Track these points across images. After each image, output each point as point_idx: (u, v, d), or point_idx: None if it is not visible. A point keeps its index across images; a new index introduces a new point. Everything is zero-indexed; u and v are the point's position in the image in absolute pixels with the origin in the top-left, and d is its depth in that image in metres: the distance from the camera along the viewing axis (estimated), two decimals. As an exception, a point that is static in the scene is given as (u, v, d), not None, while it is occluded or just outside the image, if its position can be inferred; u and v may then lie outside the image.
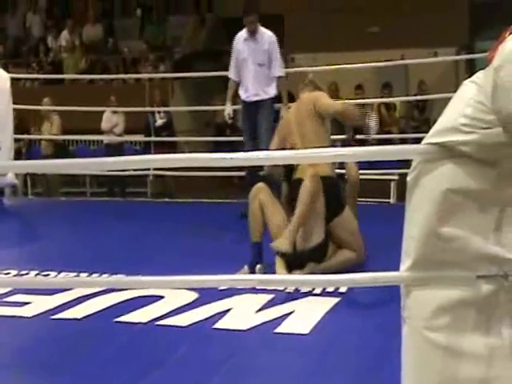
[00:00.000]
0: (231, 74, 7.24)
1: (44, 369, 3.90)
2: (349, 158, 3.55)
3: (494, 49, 2.34)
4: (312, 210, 5.13)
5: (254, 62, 7.07)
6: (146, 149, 13.32)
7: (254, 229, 5.36)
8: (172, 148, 12.54)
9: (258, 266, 5.25)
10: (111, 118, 12.88)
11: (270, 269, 5.21)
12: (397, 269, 2.51)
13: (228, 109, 7.31)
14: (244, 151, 5.59)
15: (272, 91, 7.17)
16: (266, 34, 7.13)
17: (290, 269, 5.14)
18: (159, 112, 12.96)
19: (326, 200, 5.24)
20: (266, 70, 7.10)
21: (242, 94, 7.17)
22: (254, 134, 7.15)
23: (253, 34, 7.05)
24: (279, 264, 5.19)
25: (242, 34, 7.16)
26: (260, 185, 5.49)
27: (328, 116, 5.64)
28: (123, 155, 12.01)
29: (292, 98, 12.59)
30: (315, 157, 3.21)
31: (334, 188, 5.43)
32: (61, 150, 12.46)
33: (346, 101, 5.59)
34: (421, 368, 2.43)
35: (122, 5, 18.33)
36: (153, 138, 12.63)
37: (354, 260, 5.39)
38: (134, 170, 9.75)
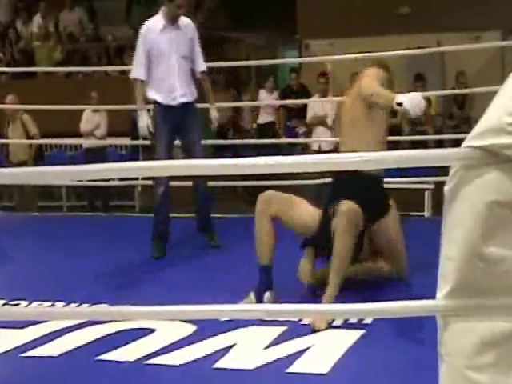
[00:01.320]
0: (139, 73, 6.75)
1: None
2: (376, 165, 3.53)
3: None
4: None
5: (177, 54, 6.74)
6: (133, 154, 13.36)
7: (262, 250, 5.32)
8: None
9: (267, 294, 5.23)
10: (92, 118, 12.92)
11: (282, 295, 5.19)
12: (433, 295, 2.50)
13: (146, 119, 6.75)
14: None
15: (195, 91, 6.95)
16: (186, 20, 6.87)
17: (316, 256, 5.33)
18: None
19: (368, 200, 5.24)
20: (189, 65, 6.86)
21: (162, 97, 6.73)
22: (171, 145, 6.86)
23: (175, 20, 6.74)
24: (304, 266, 5.37)
25: (156, 21, 6.78)
26: (264, 195, 5.44)
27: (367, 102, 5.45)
28: (106, 162, 12.06)
29: (307, 93, 12.69)
30: (333, 163, 3.21)
31: (375, 186, 5.49)
32: (38, 157, 12.51)
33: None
34: (462, 414, 2.42)
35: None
36: (141, 142, 12.61)
37: (387, 273, 5.53)
38: (120, 179, 9.78)
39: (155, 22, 6.76)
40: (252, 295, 5.24)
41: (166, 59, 6.69)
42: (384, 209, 5.54)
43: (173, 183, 6.89)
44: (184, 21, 6.84)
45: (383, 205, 5.56)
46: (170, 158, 6.66)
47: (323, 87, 11.79)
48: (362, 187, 5.29)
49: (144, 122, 6.69)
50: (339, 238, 5.01)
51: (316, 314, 4.29)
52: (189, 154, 6.71)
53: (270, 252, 5.30)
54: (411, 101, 4.82)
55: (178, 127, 6.75)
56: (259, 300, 5.19)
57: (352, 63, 12.69)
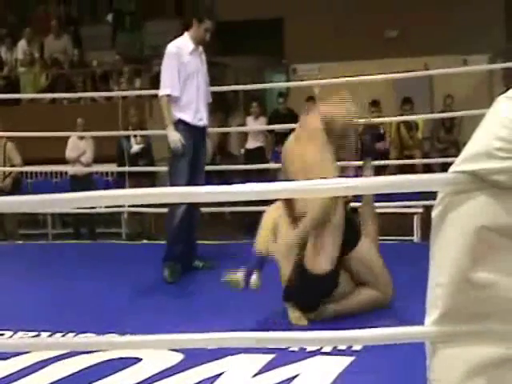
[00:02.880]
0: (174, 89, 6.77)
1: None
2: (364, 190, 3.55)
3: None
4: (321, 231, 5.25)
5: (201, 78, 6.90)
6: (119, 180, 13.34)
7: (261, 240, 5.53)
8: (151, 179, 12.55)
9: (254, 277, 5.41)
10: (78, 145, 12.91)
11: (268, 280, 5.38)
12: (421, 321, 2.51)
13: (176, 133, 6.73)
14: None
15: None
16: (201, 48, 6.98)
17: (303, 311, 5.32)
18: (135, 136, 12.99)
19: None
20: (207, 90, 7.03)
21: (190, 117, 6.81)
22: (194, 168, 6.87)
23: (201, 44, 6.89)
24: (293, 314, 5.35)
25: (185, 43, 6.87)
26: (278, 204, 5.59)
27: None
28: (92, 189, 12.08)
29: (294, 117, 12.70)
30: (325, 189, 3.21)
31: (349, 217, 5.53)
32: (17, 185, 12.47)
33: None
34: None
35: (91, 9, 18.46)
36: (127, 168, 12.65)
37: (378, 300, 5.51)
38: (106, 206, 9.77)
39: (185, 44, 6.85)
40: (239, 274, 5.40)
41: (194, 82, 6.83)
42: (353, 239, 5.54)
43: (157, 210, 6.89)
44: (201, 46, 6.96)
45: (354, 236, 5.56)
46: (192, 175, 6.75)
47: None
48: None
49: (176, 136, 6.71)
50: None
51: (305, 342, 4.29)
52: (196, 175, 6.78)
53: (268, 245, 5.49)
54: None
55: (197, 147, 6.85)
56: (246, 280, 5.37)
57: (341, 87, 12.78)
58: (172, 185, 6.71)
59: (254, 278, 5.39)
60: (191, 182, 6.54)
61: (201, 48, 6.94)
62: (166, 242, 6.91)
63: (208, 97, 7.07)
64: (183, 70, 6.76)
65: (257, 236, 5.56)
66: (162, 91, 6.82)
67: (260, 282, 5.40)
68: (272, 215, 5.58)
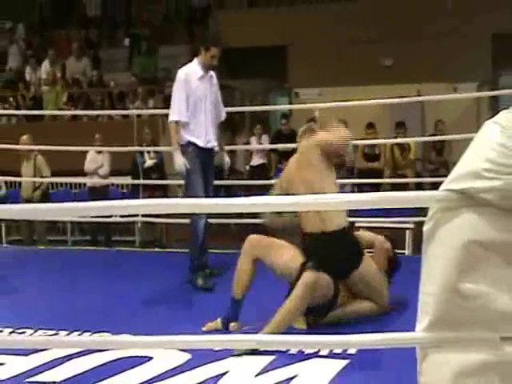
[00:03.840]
0: (181, 115, 6.73)
1: None
2: (359, 205, 3.56)
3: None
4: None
5: (210, 102, 6.85)
6: (133, 192, 13.33)
7: (238, 285, 5.41)
8: (163, 191, 12.56)
9: (232, 324, 5.32)
10: (96, 159, 12.92)
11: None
12: (412, 328, 2.50)
13: (181, 158, 6.68)
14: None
15: None
16: (211, 72, 6.94)
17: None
18: (149, 152, 13.01)
19: (336, 256, 5.32)
20: (215, 112, 6.96)
21: (200, 140, 6.77)
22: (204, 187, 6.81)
23: (209, 70, 6.83)
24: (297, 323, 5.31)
25: (194, 69, 6.82)
26: (252, 238, 5.52)
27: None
28: (108, 199, 12.06)
29: (295, 138, 12.69)
30: (322, 203, 3.22)
31: (342, 242, 5.46)
32: (46, 196, 12.49)
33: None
34: None
35: (109, 34, 18.48)
36: (141, 181, 12.65)
37: (376, 311, 5.50)
38: (121, 216, 9.77)
39: (193, 70, 6.80)
40: (219, 321, 5.34)
41: (203, 106, 6.77)
42: (355, 261, 5.49)
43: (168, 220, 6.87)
44: (210, 71, 6.89)
45: (353, 258, 5.52)
46: (207, 194, 6.73)
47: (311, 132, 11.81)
48: (331, 248, 5.35)
49: (181, 160, 6.67)
50: (292, 299, 5.09)
51: (303, 345, 4.28)
52: (206, 193, 6.71)
53: (244, 289, 5.40)
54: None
55: (206, 166, 6.81)
56: (225, 327, 5.30)
57: (339, 111, 12.78)
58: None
59: (232, 325, 5.32)
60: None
61: (211, 72, 6.89)
62: (191, 253, 6.86)
63: (219, 117, 7.03)
64: (192, 95, 6.73)
65: (234, 281, 5.45)
66: (171, 117, 6.80)
67: (238, 327, 5.32)
68: (249, 257, 5.44)
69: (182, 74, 6.80)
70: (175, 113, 6.75)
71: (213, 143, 6.87)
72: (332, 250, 5.34)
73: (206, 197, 6.57)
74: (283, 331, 4.86)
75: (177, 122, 6.74)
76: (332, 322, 5.35)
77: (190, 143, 6.74)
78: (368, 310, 5.51)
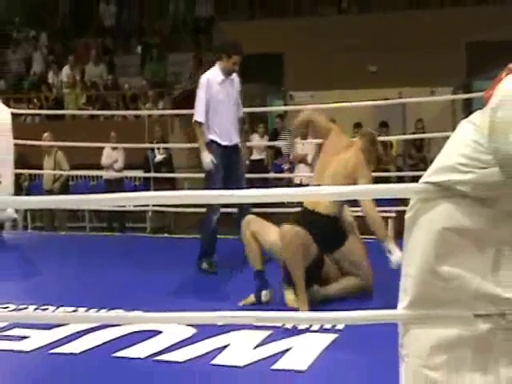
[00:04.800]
0: (202, 117, 6.65)
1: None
2: (348, 196, 3.58)
3: (491, 88, 2.36)
4: (298, 257, 5.20)
5: (231, 104, 6.76)
6: (145, 184, 13.34)
7: (253, 258, 5.46)
8: (171, 184, 12.54)
9: (264, 293, 5.34)
10: (111, 154, 12.92)
11: (275, 294, 5.38)
12: (394, 306, 2.51)
13: (209, 155, 6.60)
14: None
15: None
16: (235, 75, 6.84)
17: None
18: (158, 148, 13.00)
19: (321, 234, 5.34)
20: (237, 111, 6.88)
21: (222, 139, 6.70)
22: (225, 183, 6.70)
23: (230, 75, 6.73)
24: (289, 296, 5.32)
25: (216, 74, 6.72)
26: (248, 217, 5.62)
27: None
28: (123, 191, 12.07)
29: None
30: (313, 195, 3.22)
31: (328, 225, 5.48)
32: (65, 187, 12.51)
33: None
34: (419, 406, 2.41)
35: (123, 42, 18.45)
36: (152, 174, 12.66)
37: (360, 287, 5.53)
38: (134, 205, 9.77)
39: (214, 75, 6.71)
40: (252, 296, 5.35)
41: (224, 108, 6.69)
42: (338, 241, 5.58)
43: (196, 209, 6.87)
44: (234, 74, 6.82)
45: (337, 238, 5.59)
46: (226, 188, 6.44)
47: (304, 132, 11.79)
48: (319, 225, 5.36)
49: (208, 158, 6.59)
50: (287, 260, 5.20)
51: (297, 321, 4.29)
52: (237, 185, 6.56)
53: (259, 258, 5.44)
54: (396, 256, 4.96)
55: (230, 163, 6.76)
56: (258, 299, 5.32)
57: (329, 111, 12.77)
58: None
59: (264, 293, 5.35)
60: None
61: (233, 76, 6.80)
62: (201, 241, 6.80)
63: (239, 114, 6.95)
64: (213, 98, 6.65)
65: (248, 256, 5.51)
66: (194, 117, 6.75)
67: (271, 296, 5.38)
68: (248, 233, 5.49)
69: (204, 78, 6.74)
70: (197, 114, 6.70)
71: (234, 141, 6.79)
72: (319, 228, 5.35)
73: (234, 189, 6.50)
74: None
75: (200, 123, 6.68)
76: (325, 298, 5.37)
77: (212, 141, 6.69)
78: (353, 284, 5.55)
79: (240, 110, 6.98)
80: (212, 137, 6.69)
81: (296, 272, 5.18)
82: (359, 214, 5.80)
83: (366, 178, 5.48)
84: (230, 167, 6.77)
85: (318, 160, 6.08)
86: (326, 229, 5.41)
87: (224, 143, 6.70)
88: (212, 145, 6.67)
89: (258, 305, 5.30)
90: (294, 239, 5.16)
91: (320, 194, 3.21)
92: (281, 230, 5.26)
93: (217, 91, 6.68)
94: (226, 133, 6.73)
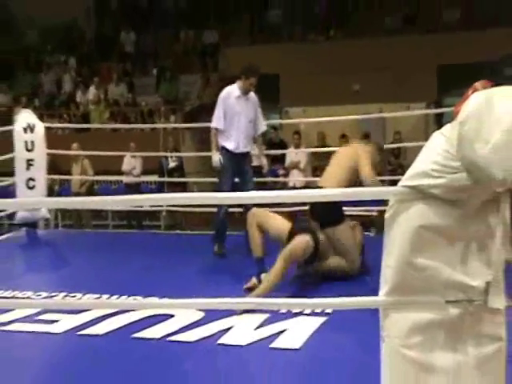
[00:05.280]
0: (219, 123, 6.68)
1: (70, 380, 3.87)
2: (337, 197, 3.58)
3: (459, 104, 2.37)
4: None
5: (245, 118, 6.72)
6: (160, 187, 13.33)
7: (255, 246, 5.47)
8: (182, 187, 12.55)
9: (263, 275, 5.34)
10: (130, 161, 12.94)
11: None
12: (376, 293, 2.49)
13: (217, 155, 6.66)
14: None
15: (252, 144, 7.00)
16: (252, 94, 6.81)
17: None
18: (171, 156, 13.00)
19: (318, 211, 5.47)
20: (252, 126, 6.81)
21: (231, 145, 6.69)
22: (233, 183, 6.77)
23: (246, 93, 6.72)
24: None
25: (233, 90, 6.73)
26: (253, 210, 5.61)
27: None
28: (140, 193, 12.07)
29: (285, 145, 12.67)
30: (308, 196, 3.20)
31: (334, 204, 5.46)
32: (91, 191, 12.55)
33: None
34: (397, 380, 2.41)
35: (141, 65, 18.46)
36: (166, 179, 12.65)
37: (344, 269, 5.56)
38: (150, 206, 9.75)
39: (232, 91, 6.72)
40: (254, 278, 5.35)
41: (237, 120, 6.67)
42: (337, 220, 5.60)
43: (203, 209, 6.89)
44: (251, 93, 6.80)
45: (336, 216, 5.61)
46: (234, 190, 6.61)
47: (297, 142, 11.87)
48: (325, 205, 5.33)
49: (217, 157, 6.65)
50: (279, 260, 5.13)
51: (291, 306, 4.28)
52: (246, 187, 6.64)
53: (261, 246, 5.47)
54: None
55: (239, 169, 6.75)
56: (258, 281, 5.30)
57: (319, 125, 12.78)
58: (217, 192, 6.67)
59: (263, 276, 5.35)
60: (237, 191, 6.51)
61: (250, 94, 6.77)
62: (214, 229, 6.87)
63: (256, 130, 6.90)
64: (229, 110, 6.66)
65: (251, 245, 5.52)
66: (212, 124, 6.77)
67: None
68: (254, 225, 5.51)
69: (224, 92, 6.76)
70: (214, 121, 6.72)
71: (243, 149, 6.74)
72: (325, 205, 5.31)
73: (242, 189, 6.57)
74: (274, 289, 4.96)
75: (215, 128, 6.70)
76: (317, 270, 5.49)
77: (223, 147, 6.70)
78: (340, 265, 5.58)
79: (261, 125, 6.95)
80: (225, 143, 6.70)
81: (281, 266, 5.16)
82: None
83: (367, 158, 5.50)
84: (239, 171, 6.77)
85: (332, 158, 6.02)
86: (327, 204, 5.33)
87: (234, 150, 6.69)
88: (223, 150, 6.69)
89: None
90: (301, 249, 5.20)
91: (309, 197, 3.19)
92: (297, 237, 5.25)
93: (233, 104, 6.68)
94: (237, 141, 6.70)
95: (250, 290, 5.16)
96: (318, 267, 5.52)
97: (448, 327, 2.32)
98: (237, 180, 6.84)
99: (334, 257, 5.60)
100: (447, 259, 2.32)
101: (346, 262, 5.58)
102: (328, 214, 5.51)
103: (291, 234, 5.35)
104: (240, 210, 7.20)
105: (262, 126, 7.00)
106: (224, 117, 6.67)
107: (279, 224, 5.48)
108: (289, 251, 5.16)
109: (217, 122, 6.70)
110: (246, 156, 6.82)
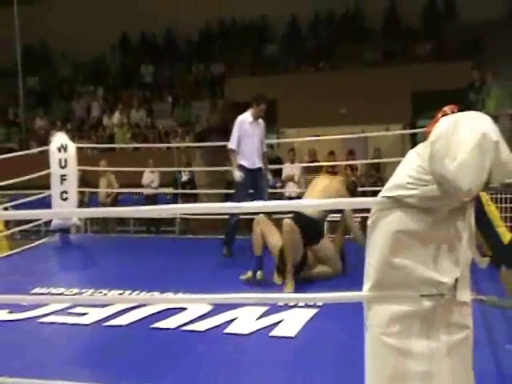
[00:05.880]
0: (234, 144, 6.77)
1: (98, 364, 3.86)
2: (327, 207, 3.58)
3: (430, 126, 2.36)
4: (293, 247, 5.30)
5: (257, 139, 6.80)
6: (174, 198, 13.32)
7: (256, 246, 5.53)
8: (194, 198, 12.55)
9: (259, 273, 5.41)
10: (149, 176, 12.94)
11: (267, 276, 5.43)
12: (360, 289, 2.48)
13: (238, 172, 6.71)
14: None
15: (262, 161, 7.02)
16: (260, 120, 6.90)
17: (283, 276, 5.38)
18: (184, 171, 13.00)
19: (304, 232, 5.40)
20: (261, 145, 6.90)
21: (248, 163, 6.76)
22: (248, 194, 6.79)
23: (257, 118, 6.81)
24: (276, 278, 5.46)
25: (247, 116, 6.82)
26: (259, 217, 5.67)
27: None
28: (158, 203, 12.05)
29: (281, 161, 12.64)
30: (303, 205, 3.19)
31: (311, 225, 5.52)
32: (115, 202, 12.55)
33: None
34: (379, 364, 2.40)
35: (158, 93, 18.49)
36: (180, 191, 12.65)
37: (330, 274, 5.58)
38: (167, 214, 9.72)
39: (246, 118, 6.81)
40: (250, 272, 5.42)
41: (251, 141, 6.75)
42: (318, 237, 5.62)
43: (212, 216, 6.87)
44: (260, 119, 6.90)
45: (317, 235, 5.63)
46: (255, 198, 6.72)
47: (291, 158, 11.88)
48: (307, 224, 5.43)
49: (238, 173, 6.70)
50: (285, 245, 5.30)
51: (287, 300, 4.27)
52: (260, 197, 6.72)
53: (260, 248, 5.53)
54: None
55: (254, 182, 6.79)
56: (254, 276, 5.39)
57: (310, 143, 12.79)
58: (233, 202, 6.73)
59: (258, 273, 5.41)
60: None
61: (259, 120, 6.87)
62: (226, 234, 6.85)
63: (263, 148, 6.96)
64: (243, 133, 6.75)
65: (254, 245, 5.57)
66: (228, 145, 6.84)
67: (263, 276, 5.43)
68: (258, 228, 5.58)
69: (239, 118, 6.84)
70: (231, 143, 6.81)
71: (257, 165, 6.81)
72: (307, 226, 5.43)
73: (258, 200, 6.62)
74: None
75: (232, 149, 6.78)
76: (305, 278, 5.44)
77: (240, 165, 6.77)
78: (325, 271, 5.60)
79: (264, 145, 7.00)
80: (241, 162, 6.77)
81: (289, 257, 5.25)
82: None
83: (343, 192, 5.67)
84: (254, 184, 6.82)
85: (311, 183, 6.14)
86: (309, 227, 5.47)
87: (249, 167, 6.76)
88: (241, 167, 6.76)
89: (254, 280, 5.38)
90: (292, 231, 5.27)
91: (305, 205, 3.19)
92: (284, 222, 5.32)
93: (247, 128, 6.77)
94: (251, 159, 6.77)
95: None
96: (307, 275, 5.52)
97: (422, 318, 2.31)
98: (251, 191, 6.86)
99: (319, 265, 5.64)
100: (421, 259, 2.31)
101: (329, 268, 5.62)
102: (312, 234, 5.55)
103: (281, 252, 5.43)
104: (248, 217, 7.21)
105: (264, 146, 7.06)
106: (239, 139, 6.76)
107: (274, 243, 5.52)
108: (284, 233, 5.28)
109: (233, 143, 6.79)
110: (260, 171, 6.88)
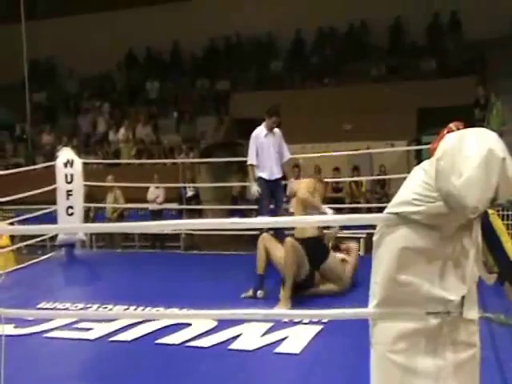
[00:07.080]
0: (253, 160, 6.84)
1: (102, 379, 3.84)
2: (331, 223, 3.57)
3: (435, 142, 2.36)
4: (294, 264, 5.25)
5: (275, 150, 6.89)
6: (179, 214, 13.33)
7: (259, 264, 5.52)
8: (199, 213, 12.55)
9: (259, 291, 5.42)
10: (154, 191, 12.96)
11: (268, 295, 5.42)
12: (366, 306, 2.47)
13: (256, 187, 6.80)
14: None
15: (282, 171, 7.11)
16: (276, 130, 6.99)
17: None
18: (189, 187, 13.03)
19: (309, 253, 5.38)
20: (279, 156, 6.95)
21: (265, 174, 6.84)
22: (270, 204, 6.90)
23: (271, 130, 6.88)
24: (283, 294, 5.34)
25: (261, 130, 6.90)
26: (264, 235, 5.69)
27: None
28: (163, 219, 12.04)
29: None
30: (306, 222, 3.19)
31: (314, 245, 5.53)
32: (121, 217, 12.56)
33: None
34: (384, 382, 2.38)
35: (164, 109, 18.56)
36: (185, 206, 12.66)
37: (335, 291, 5.55)
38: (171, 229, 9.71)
39: (260, 130, 6.90)
40: (251, 291, 5.44)
41: (268, 153, 6.84)
42: (323, 257, 5.59)
43: (216, 232, 6.85)
44: (276, 129, 6.98)
45: (323, 255, 5.60)
46: (271, 211, 6.79)
47: (297, 174, 11.90)
48: (311, 246, 5.44)
49: (255, 189, 6.81)
50: (285, 264, 5.26)
51: (292, 316, 4.25)
52: (277, 209, 6.82)
53: (263, 267, 5.53)
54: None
55: (273, 191, 6.88)
56: (254, 295, 5.41)
57: (315, 159, 12.79)
58: (259, 215, 6.86)
59: (259, 292, 5.43)
60: (271, 214, 6.70)
61: (275, 130, 6.95)
62: None
63: (281, 159, 6.99)
64: (260, 146, 6.84)
65: (257, 262, 5.56)
66: (248, 161, 6.91)
67: (264, 295, 5.44)
68: (262, 246, 5.58)
69: (254, 132, 6.94)
70: (249, 159, 6.88)
71: (276, 176, 6.90)
72: (309, 249, 5.40)
73: (275, 212, 6.76)
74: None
75: (251, 165, 6.85)
76: (311, 295, 5.42)
77: (260, 177, 6.85)
78: (332, 288, 5.56)
79: (285, 154, 7.05)
80: (260, 174, 6.86)
81: (288, 271, 5.22)
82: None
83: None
84: (273, 194, 6.90)
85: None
86: (314, 248, 5.46)
87: (268, 178, 6.85)
88: (260, 179, 6.85)
89: (254, 299, 5.38)
90: (293, 248, 5.26)
91: (307, 222, 3.18)
92: (286, 240, 5.33)
93: (262, 142, 6.86)
94: (269, 171, 6.86)
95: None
96: (312, 293, 5.48)
97: (428, 335, 2.29)
98: (272, 206, 6.92)
99: (325, 283, 5.61)
100: (427, 276, 2.29)
101: (336, 285, 5.59)
102: (317, 254, 5.54)
103: None
104: (252, 233, 7.21)
105: (287, 154, 7.11)
106: (256, 153, 6.84)
107: (279, 257, 5.49)
108: (285, 250, 5.27)
109: (251, 159, 6.86)
110: (279, 181, 6.96)
